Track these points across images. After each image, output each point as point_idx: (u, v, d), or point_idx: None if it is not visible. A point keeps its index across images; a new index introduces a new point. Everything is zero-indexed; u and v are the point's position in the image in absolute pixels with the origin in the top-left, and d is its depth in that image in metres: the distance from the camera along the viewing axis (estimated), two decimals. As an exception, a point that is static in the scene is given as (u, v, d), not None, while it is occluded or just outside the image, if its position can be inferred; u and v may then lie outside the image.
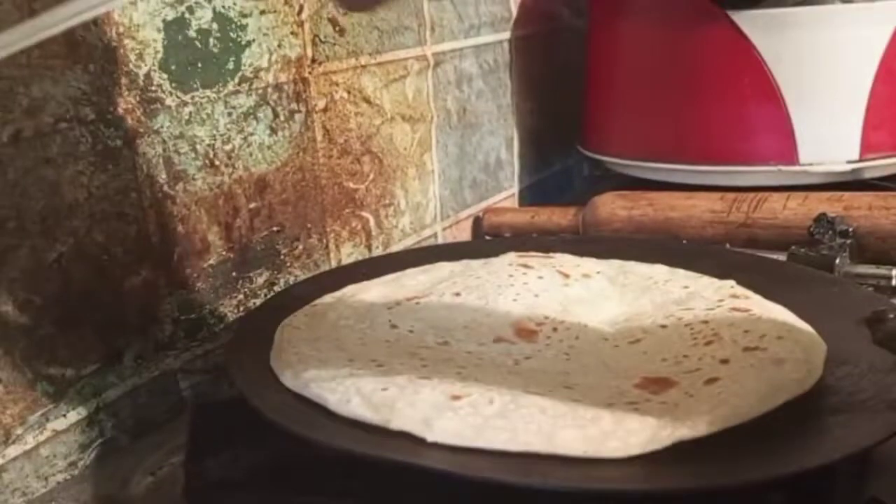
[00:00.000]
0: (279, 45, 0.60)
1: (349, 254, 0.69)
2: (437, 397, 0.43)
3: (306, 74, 0.63)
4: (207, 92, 0.55)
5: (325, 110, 0.65)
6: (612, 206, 0.81)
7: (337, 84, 0.66)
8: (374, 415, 0.43)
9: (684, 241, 0.77)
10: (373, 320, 0.54)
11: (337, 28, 0.65)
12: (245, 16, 0.57)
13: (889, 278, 0.70)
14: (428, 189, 0.78)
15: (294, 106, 0.62)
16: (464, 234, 0.85)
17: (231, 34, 0.56)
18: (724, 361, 0.48)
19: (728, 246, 0.75)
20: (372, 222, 0.71)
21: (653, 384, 0.47)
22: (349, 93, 0.67)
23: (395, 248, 0.74)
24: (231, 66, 0.57)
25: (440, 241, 0.80)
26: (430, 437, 0.41)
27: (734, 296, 0.57)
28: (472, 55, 0.83)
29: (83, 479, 0.49)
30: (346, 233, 0.68)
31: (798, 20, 0.81)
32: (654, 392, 0.46)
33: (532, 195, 0.98)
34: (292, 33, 0.61)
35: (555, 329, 0.54)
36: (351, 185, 0.68)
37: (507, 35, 0.89)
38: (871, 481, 0.44)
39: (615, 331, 0.55)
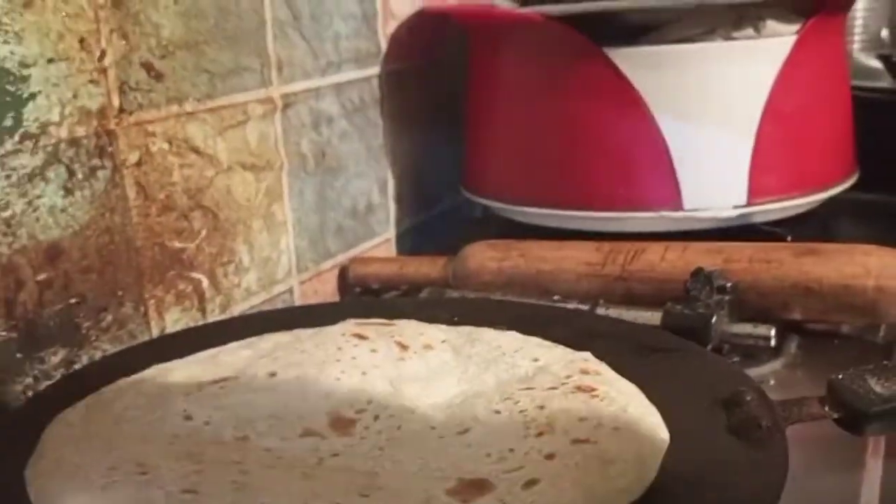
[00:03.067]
0: (74, 96, 0.53)
1: (176, 320, 0.62)
2: (199, 522, 0.37)
3: (112, 126, 0.56)
4: (-24, 154, 0.49)
5: (138, 164, 0.58)
6: (482, 258, 0.75)
7: (154, 135, 0.59)
8: (117, 546, 0.37)
9: (555, 298, 0.71)
10: (166, 410, 0.48)
11: (153, 73, 0.58)
12: (26, 66, 0.50)
13: (768, 339, 0.65)
14: (279, 241, 0.72)
15: (96, 162, 0.55)
16: (328, 286, 0.79)
17: (9, 87, 0.50)
18: (550, 457, 0.43)
19: (602, 302, 0.69)
20: (206, 283, 0.64)
21: (467, 488, 0.41)
22: (171, 143, 0.60)
23: (237, 309, 0.67)
24: (9, 122, 0.50)
25: (296, 296, 0.74)
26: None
27: (584, 371, 0.52)
28: (331, 94, 0.77)
29: None
30: (171, 297, 0.62)
31: (679, 58, 0.77)
32: (465, 499, 0.40)
33: (415, 239, 0.92)
34: (91, 82, 0.54)
35: (376, 417, 0.48)
36: (176, 244, 0.62)
37: (375, 70, 0.83)
38: None
39: (445, 417, 0.49)
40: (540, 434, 0.45)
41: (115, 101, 0.56)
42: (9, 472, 0.42)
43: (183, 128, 0.61)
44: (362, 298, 0.78)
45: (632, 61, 0.76)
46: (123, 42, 0.57)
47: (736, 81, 0.78)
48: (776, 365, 0.64)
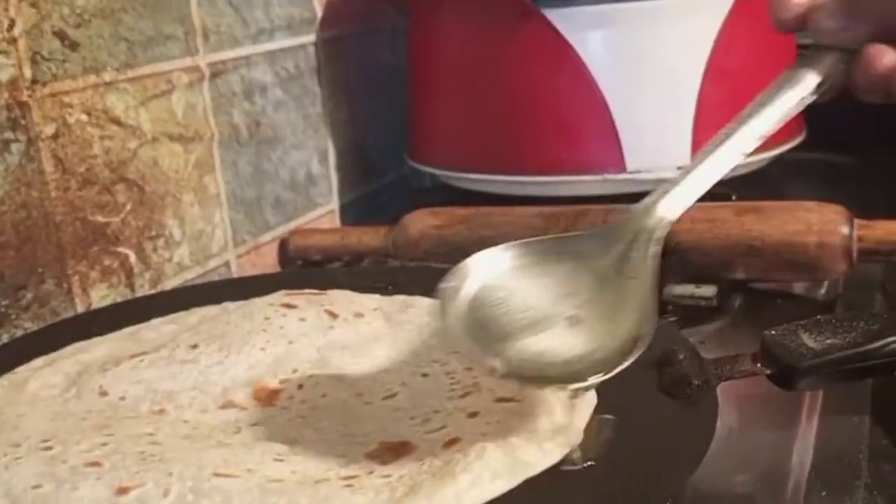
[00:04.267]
0: (-18, 67, 0.51)
1: (103, 296, 0.60)
2: (98, 493, 0.36)
3: (24, 98, 0.54)
4: None
5: (55, 137, 0.56)
6: (422, 226, 0.74)
7: (71, 106, 0.57)
8: (17, 525, 0.35)
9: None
10: (81, 387, 0.46)
11: (66, 42, 0.56)
12: (-73, 34, 0.48)
13: (710, 298, 0.64)
14: (213, 215, 0.70)
15: (9, 135, 0.53)
16: (267, 259, 0.77)
17: None
18: (473, 415, 0.42)
19: (543, 267, 0.68)
20: (133, 258, 0.62)
21: (388, 451, 0.40)
22: (89, 115, 0.58)
23: (169, 284, 0.66)
24: None
25: (234, 270, 0.72)
26: (80, 550, 0.34)
27: (517, 332, 0.50)
28: (264, 62, 0.75)
29: None
30: (96, 273, 0.60)
31: (616, 17, 0.75)
32: (385, 462, 0.39)
33: (359, 210, 0.90)
34: (1, 52, 0.52)
35: (300, 386, 0.47)
36: (99, 218, 0.60)
37: (311, 38, 0.81)
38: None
39: (372, 383, 0.47)
40: (465, 395, 0.44)
41: (28, 72, 0.54)
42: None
43: (102, 98, 0.59)
44: (297, 270, 0.76)
45: (570, 22, 0.75)
46: (34, 10, 0.55)
47: (676, 41, 0.77)
48: (719, 324, 0.63)
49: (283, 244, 0.79)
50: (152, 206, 0.64)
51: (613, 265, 0.43)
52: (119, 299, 0.61)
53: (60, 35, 0.56)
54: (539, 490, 0.37)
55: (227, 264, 0.72)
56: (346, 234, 0.78)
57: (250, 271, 0.74)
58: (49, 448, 0.39)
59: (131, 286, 0.62)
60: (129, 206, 0.62)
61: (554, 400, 0.42)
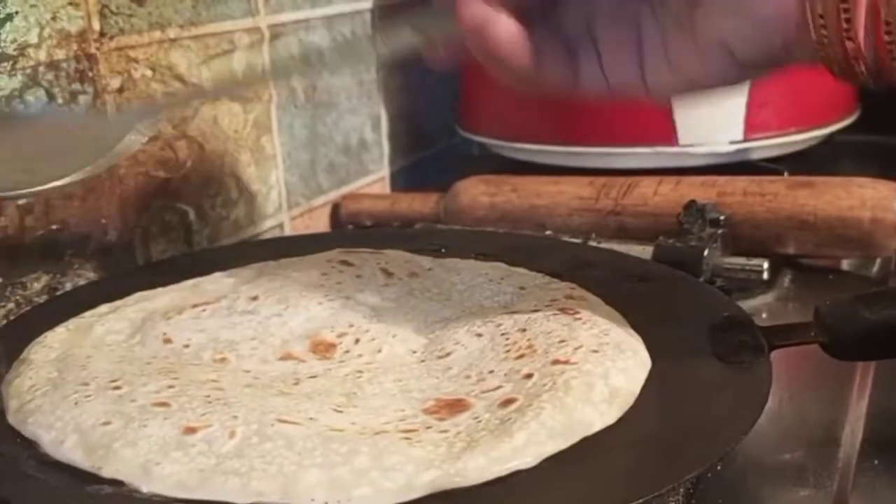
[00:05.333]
0: (53, 18, 0.52)
1: (163, 251, 0.62)
2: (166, 431, 0.37)
3: (93, 50, 0.55)
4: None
5: (120, 90, 0.57)
6: (474, 193, 0.74)
7: (136, 61, 0.58)
8: (86, 459, 0.36)
9: (548, 232, 0.70)
10: (145, 334, 0.48)
11: (135, -2, 0.57)
12: (3, -15, 0.50)
13: (760, 271, 0.64)
14: (269, 175, 0.71)
15: (77, 86, 0.54)
16: (320, 223, 0.78)
17: (-15, 6, 0.49)
18: (528, 376, 0.42)
19: (594, 236, 0.69)
20: (192, 215, 0.63)
21: (445, 408, 0.41)
22: (154, 70, 0.59)
23: (226, 242, 0.67)
24: (-15, 43, 0.49)
25: (287, 231, 0.73)
26: (146, 488, 0.35)
27: (569, 297, 0.51)
28: (322, 27, 0.76)
29: None
30: (156, 228, 0.61)
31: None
32: (442, 418, 0.40)
33: (408, 178, 0.91)
34: (71, 3, 0.53)
35: (357, 340, 0.48)
36: (161, 174, 0.61)
37: (367, 4, 0.82)
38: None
39: (427, 341, 0.48)
40: (520, 356, 0.45)
41: (96, 25, 0.55)
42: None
43: (166, 54, 0.60)
44: (352, 230, 0.77)
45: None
46: (104, -35, 0.56)
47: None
48: (768, 298, 0.64)
49: (336, 208, 0.80)
50: (211, 165, 0.65)
51: None
52: (177, 254, 0.62)
53: (127, -10, 0.57)
54: (591, 448, 0.37)
55: (280, 226, 0.73)
56: (398, 199, 0.79)
57: (303, 233, 0.75)
58: (118, 388, 0.40)
59: (189, 242, 0.64)
60: (189, 164, 0.63)
61: (609, 363, 0.42)
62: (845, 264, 0.68)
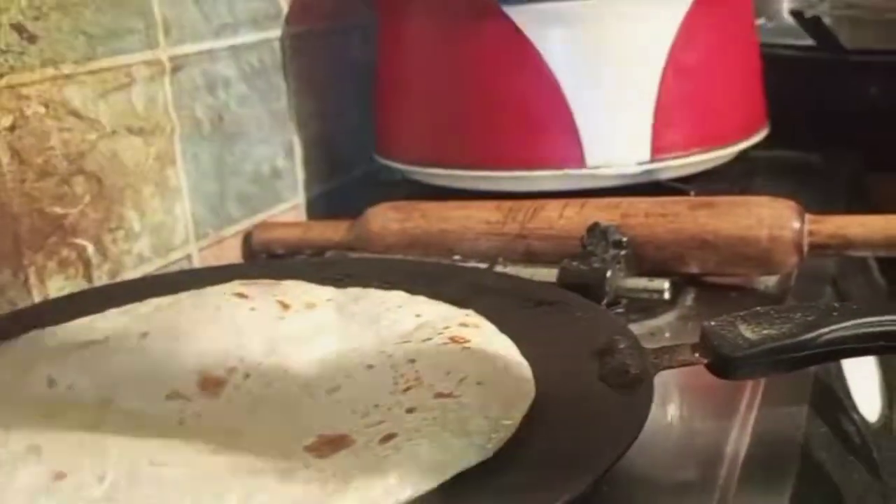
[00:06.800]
0: (-64, 57, 0.52)
1: (60, 288, 0.61)
2: (37, 478, 0.36)
3: (-21, 89, 0.55)
4: None
5: (11, 128, 0.57)
6: (384, 219, 0.75)
7: (28, 98, 0.58)
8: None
9: (455, 258, 0.71)
10: (30, 376, 0.47)
11: (25, 35, 0.57)
12: None
13: (661, 291, 0.65)
14: (173, 207, 0.70)
15: (-37, 125, 0.54)
16: (231, 252, 0.77)
17: None
18: (410, 411, 0.42)
19: (501, 260, 0.69)
20: (91, 250, 0.63)
21: (327, 444, 0.41)
22: (47, 107, 0.59)
23: (129, 276, 0.66)
24: None
25: (196, 263, 0.73)
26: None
27: (463, 324, 0.51)
28: (228, 57, 0.75)
29: None
30: (53, 264, 0.60)
31: (576, 14, 0.76)
32: (322, 455, 0.40)
33: (327, 205, 0.91)
34: (-44, 43, 0.53)
35: (247, 376, 0.48)
36: (57, 210, 0.60)
37: (276, 33, 0.82)
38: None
39: (317, 375, 0.48)
40: (407, 389, 0.45)
41: (-17, 64, 0.55)
42: None
43: (60, 91, 0.60)
44: (257, 261, 0.77)
45: (530, 17, 0.76)
46: (-9, 3, 0.55)
47: (636, 36, 0.78)
48: (670, 317, 0.64)
49: (247, 238, 0.79)
50: (111, 199, 0.64)
51: None
52: (75, 290, 0.61)
53: (19, 28, 0.57)
54: (466, 484, 0.38)
55: (188, 257, 0.72)
56: (309, 227, 0.79)
57: (213, 264, 0.74)
58: (-8, 434, 0.40)
59: (89, 277, 0.63)
60: (87, 198, 0.62)
61: (491, 394, 0.43)
62: (749, 281, 0.68)
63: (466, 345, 0.48)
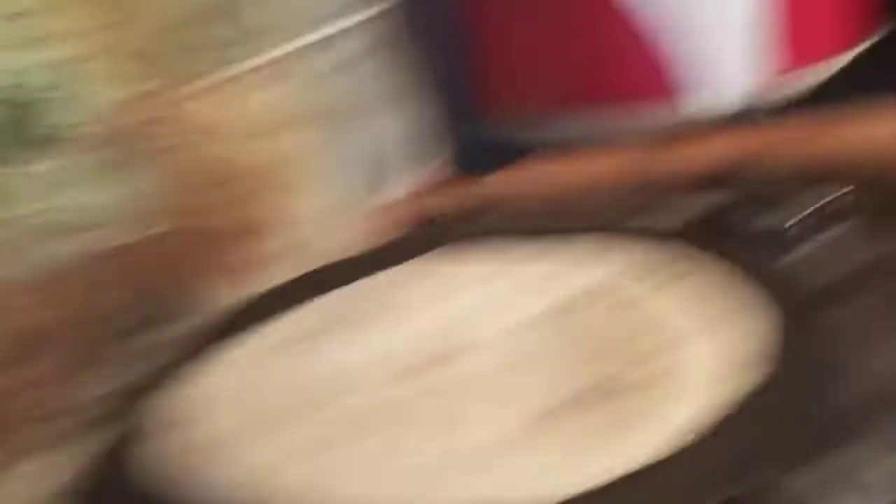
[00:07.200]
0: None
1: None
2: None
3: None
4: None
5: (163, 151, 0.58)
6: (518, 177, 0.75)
7: (162, 120, 0.59)
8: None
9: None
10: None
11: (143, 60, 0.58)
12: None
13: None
14: (318, 197, 0.72)
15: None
16: (382, 226, 0.77)
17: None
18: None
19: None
20: (254, 250, 0.64)
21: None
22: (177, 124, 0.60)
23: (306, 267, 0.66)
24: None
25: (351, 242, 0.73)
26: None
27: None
28: (334, 45, 0.76)
29: None
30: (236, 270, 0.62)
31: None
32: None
33: (455, 168, 0.90)
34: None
35: (471, 352, 0.48)
36: (210, 221, 0.61)
37: (368, 13, 0.82)
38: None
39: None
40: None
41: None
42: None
43: (182, 108, 0.61)
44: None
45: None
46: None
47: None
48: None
49: (391, 210, 0.79)
50: (265, 199, 0.66)
51: None
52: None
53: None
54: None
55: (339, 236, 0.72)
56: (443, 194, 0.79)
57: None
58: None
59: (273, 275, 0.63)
60: (234, 205, 0.63)
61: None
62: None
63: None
